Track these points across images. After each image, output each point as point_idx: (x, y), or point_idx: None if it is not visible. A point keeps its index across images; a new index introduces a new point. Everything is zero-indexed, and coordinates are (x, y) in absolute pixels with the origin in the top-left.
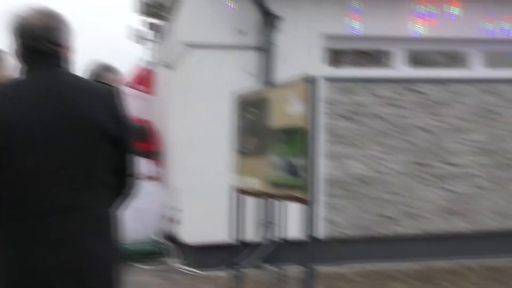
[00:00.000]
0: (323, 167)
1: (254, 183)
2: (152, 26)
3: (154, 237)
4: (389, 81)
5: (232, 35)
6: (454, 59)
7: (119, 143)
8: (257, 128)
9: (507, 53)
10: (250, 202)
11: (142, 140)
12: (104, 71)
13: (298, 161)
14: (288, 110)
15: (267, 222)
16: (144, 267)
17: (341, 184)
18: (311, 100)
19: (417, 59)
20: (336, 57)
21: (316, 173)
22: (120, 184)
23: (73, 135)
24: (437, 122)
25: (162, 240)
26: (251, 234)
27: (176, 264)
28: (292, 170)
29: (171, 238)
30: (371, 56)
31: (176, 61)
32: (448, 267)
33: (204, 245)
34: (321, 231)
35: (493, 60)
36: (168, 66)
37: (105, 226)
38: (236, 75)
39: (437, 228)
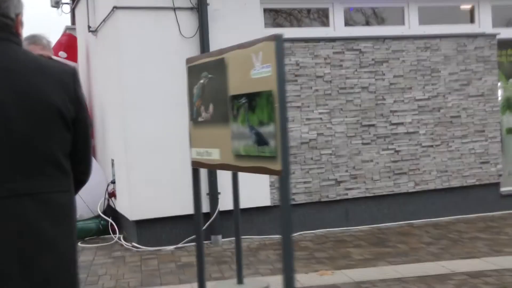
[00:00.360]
0: None
1: (213, 155)
2: None
3: (94, 213)
4: (329, 40)
5: None
6: (391, 15)
7: (76, 125)
8: (214, 95)
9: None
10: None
11: None
12: (27, 41)
13: (266, 129)
14: (251, 73)
15: (215, 192)
16: (86, 245)
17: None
18: (278, 60)
19: (354, 17)
20: (273, 16)
21: (288, 140)
22: (76, 168)
23: (27, 117)
24: (377, 81)
25: (103, 216)
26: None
27: (120, 240)
28: (260, 139)
29: (112, 213)
30: (309, 15)
31: (101, 24)
32: (399, 228)
33: (146, 219)
34: (268, 197)
35: (429, 16)
36: (92, 30)
37: (62, 212)
38: (169, 37)
39: (384, 189)
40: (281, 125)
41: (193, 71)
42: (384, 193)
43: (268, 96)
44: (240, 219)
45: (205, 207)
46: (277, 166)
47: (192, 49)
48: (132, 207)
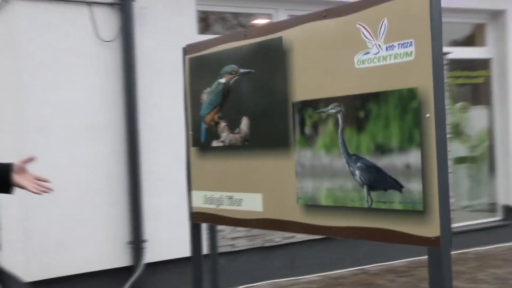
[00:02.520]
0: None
1: (247, 204)
2: None
3: None
4: None
5: None
6: None
7: None
8: (253, 102)
9: None
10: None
11: None
12: None
13: (396, 160)
14: (355, 60)
15: (139, 240)
16: None
17: None
18: (435, 33)
19: None
20: (210, 21)
21: (448, 182)
22: None
23: None
24: None
25: None
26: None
27: None
28: (379, 179)
29: None
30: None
31: None
32: (353, 276)
33: (48, 279)
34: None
35: None
36: None
37: None
38: (82, 40)
39: None
40: (439, 153)
41: (201, 64)
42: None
43: (407, 100)
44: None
45: (127, 260)
46: (429, 229)
47: (111, 55)
48: (29, 263)
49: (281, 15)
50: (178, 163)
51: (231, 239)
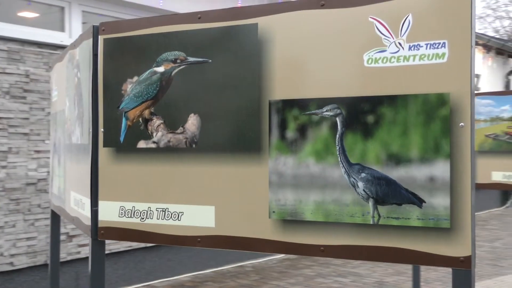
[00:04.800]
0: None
1: (189, 218)
2: None
3: None
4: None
5: None
6: None
7: None
8: (206, 96)
9: None
10: None
11: None
12: None
13: (417, 171)
14: (364, 58)
15: None
16: None
17: (10, 192)
18: (473, 33)
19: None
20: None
21: (474, 198)
22: None
23: None
24: None
25: None
26: None
27: None
28: (390, 192)
29: None
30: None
31: None
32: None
33: None
34: None
35: None
36: None
37: None
38: None
39: (123, 243)
40: (472, 165)
41: (123, 48)
42: (122, 249)
43: (435, 106)
44: None
45: None
46: (458, 249)
47: None
48: None
49: (74, 10)
50: None
51: (10, 256)
